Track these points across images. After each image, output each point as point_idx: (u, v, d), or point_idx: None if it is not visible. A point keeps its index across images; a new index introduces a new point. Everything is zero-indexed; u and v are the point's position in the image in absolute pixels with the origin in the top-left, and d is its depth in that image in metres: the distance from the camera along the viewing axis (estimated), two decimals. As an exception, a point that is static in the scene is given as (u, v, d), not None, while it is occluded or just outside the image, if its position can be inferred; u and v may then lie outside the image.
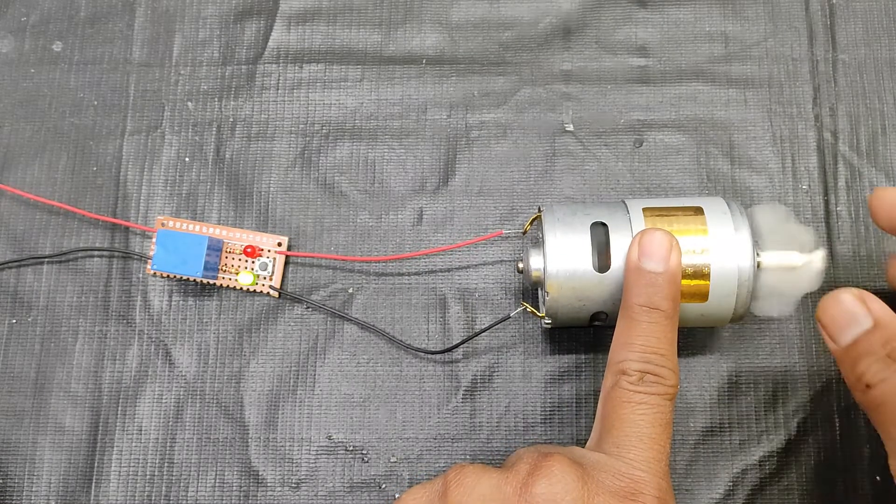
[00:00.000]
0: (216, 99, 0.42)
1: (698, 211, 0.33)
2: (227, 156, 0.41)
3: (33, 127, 0.42)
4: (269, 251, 0.39)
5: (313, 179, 0.41)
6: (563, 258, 0.32)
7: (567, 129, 0.41)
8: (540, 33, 0.42)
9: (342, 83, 0.42)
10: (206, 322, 0.39)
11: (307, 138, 0.41)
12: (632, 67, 0.41)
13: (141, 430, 0.38)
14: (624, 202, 0.34)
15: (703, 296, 0.32)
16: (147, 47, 0.43)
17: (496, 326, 0.38)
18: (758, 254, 0.32)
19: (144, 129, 0.41)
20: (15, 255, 0.40)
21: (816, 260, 0.32)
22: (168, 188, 0.41)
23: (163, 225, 0.39)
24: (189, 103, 0.42)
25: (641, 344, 0.29)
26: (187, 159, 0.41)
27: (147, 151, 0.41)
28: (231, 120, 0.41)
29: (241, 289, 0.39)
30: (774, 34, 0.42)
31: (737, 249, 0.32)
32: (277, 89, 0.42)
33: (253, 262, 0.39)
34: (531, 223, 0.37)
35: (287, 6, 0.43)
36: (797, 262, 0.32)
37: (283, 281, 0.39)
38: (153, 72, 0.42)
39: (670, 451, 0.29)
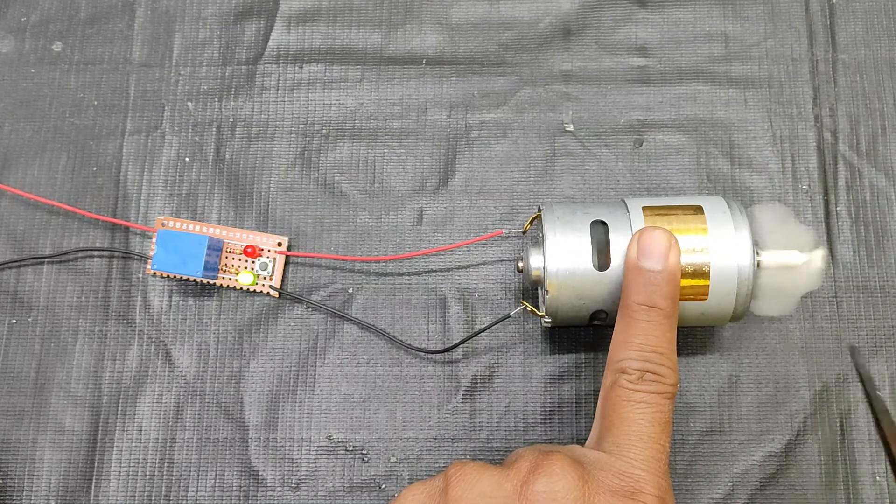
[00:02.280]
0: (216, 99, 0.42)
1: (698, 210, 0.32)
2: (227, 156, 0.41)
3: (33, 127, 0.42)
4: (269, 251, 0.39)
5: (313, 179, 0.41)
6: (563, 257, 0.32)
7: (567, 129, 0.41)
8: (540, 33, 0.42)
9: (342, 83, 0.42)
10: (206, 322, 0.39)
11: (307, 138, 0.41)
12: (632, 67, 0.41)
13: (141, 430, 0.38)
14: (624, 201, 0.34)
15: (702, 295, 0.32)
16: (147, 47, 0.43)
17: (496, 326, 0.38)
18: (758, 253, 0.32)
19: (144, 129, 0.41)
20: (15, 255, 0.40)
21: (816, 259, 0.32)
22: (168, 188, 0.41)
23: (163, 225, 0.39)
24: (189, 103, 0.42)
25: (640, 343, 0.29)
26: (187, 159, 0.41)
27: (147, 151, 0.41)
28: (231, 120, 0.41)
29: (241, 289, 0.39)
30: (774, 34, 0.42)
31: (736, 248, 0.32)
32: (277, 89, 0.42)
33: (253, 262, 0.39)
34: (531, 223, 0.36)
35: (287, 6, 0.43)
36: (797, 261, 0.32)
37: (283, 281, 0.39)
38: (153, 72, 0.42)
39: (670, 451, 0.29)
